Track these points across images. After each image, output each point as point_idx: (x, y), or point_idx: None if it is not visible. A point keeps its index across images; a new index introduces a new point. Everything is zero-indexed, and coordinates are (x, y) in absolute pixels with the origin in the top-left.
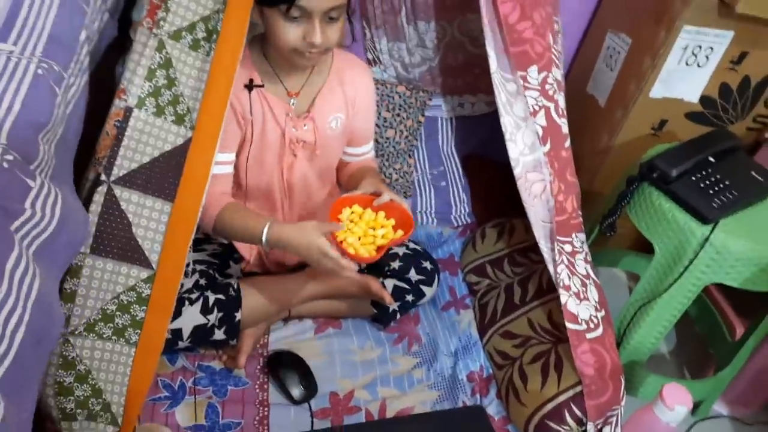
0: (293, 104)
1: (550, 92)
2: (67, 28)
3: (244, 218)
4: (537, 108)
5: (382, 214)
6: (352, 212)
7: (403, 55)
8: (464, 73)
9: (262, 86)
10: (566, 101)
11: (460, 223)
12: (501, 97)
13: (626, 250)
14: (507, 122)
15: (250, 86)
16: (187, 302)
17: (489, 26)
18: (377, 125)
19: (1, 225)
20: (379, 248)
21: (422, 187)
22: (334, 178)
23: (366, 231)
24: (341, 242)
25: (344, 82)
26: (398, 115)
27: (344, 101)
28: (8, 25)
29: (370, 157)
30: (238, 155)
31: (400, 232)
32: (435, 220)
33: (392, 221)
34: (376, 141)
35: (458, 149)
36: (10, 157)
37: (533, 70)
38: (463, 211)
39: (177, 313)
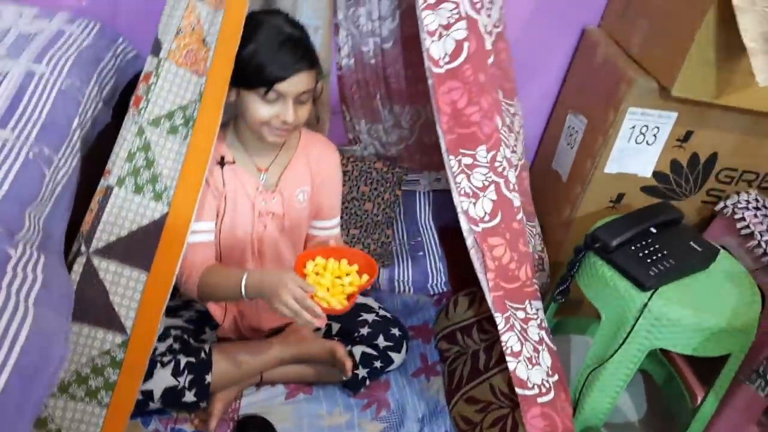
0: (263, 179)
1: (500, 169)
2: (61, 116)
3: (224, 274)
4: (487, 183)
5: (344, 261)
6: (316, 264)
7: (380, 135)
8: (440, 150)
9: (234, 163)
10: (534, 176)
11: (436, 292)
12: (450, 177)
13: (595, 318)
14: (456, 200)
15: (222, 163)
16: (159, 364)
17: (439, 112)
18: (356, 199)
19: None
20: (349, 296)
21: (400, 257)
22: (302, 247)
23: (333, 281)
24: (312, 297)
25: (310, 158)
26: (376, 189)
27: (310, 176)
28: (10, 112)
29: (336, 234)
30: None
31: (366, 276)
32: (412, 289)
33: (356, 266)
34: (356, 213)
35: (435, 221)
36: None
37: (482, 150)
38: (439, 281)
39: (149, 375)
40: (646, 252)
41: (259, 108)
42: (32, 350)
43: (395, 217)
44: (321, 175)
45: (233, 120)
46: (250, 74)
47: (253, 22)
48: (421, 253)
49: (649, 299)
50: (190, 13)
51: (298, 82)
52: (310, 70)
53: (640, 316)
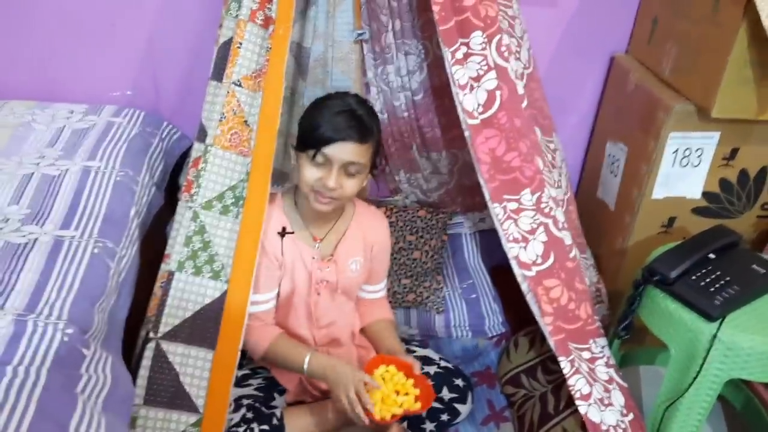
0: (318, 248)
1: (546, 209)
2: (119, 207)
3: (290, 351)
4: (535, 226)
5: (411, 381)
6: (387, 371)
7: (420, 183)
8: (481, 190)
9: (292, 233)
10: (580, 207)
11: (494, 333)
12: (497, 224)
13: (662, 347)
14: (506, 246)
15: (282, 233)
16: None
17: (477, 162)
18: (404, 249)
19: (66, 389)
20: (393, 414)
21: (454, 302)
22: (352, 311)
23: (390, 393)
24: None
25: (364, 229)
26: (422, 237)
27: (363, 246)
28: (72, 211)
29: (382, 296)
30: None
31: (418, 404)
32: (470, 333)
33: (417, 391)
34: (405, 263)
35: (485, 261)
36: (69, 331)
37: (526, 193)
38: (496, 321)
39: None
40: (708, 280)
41: (308, 170)
42: None
43: (444, 262)
44: (374, 247)
45: (293, 191)
46: (305, 135)
47: (329, 95)
48: (474, 296)
49: (718, 329)
50: (231, 99)
51: (345, 150)
52: (361, 143)
53: (710, 348)
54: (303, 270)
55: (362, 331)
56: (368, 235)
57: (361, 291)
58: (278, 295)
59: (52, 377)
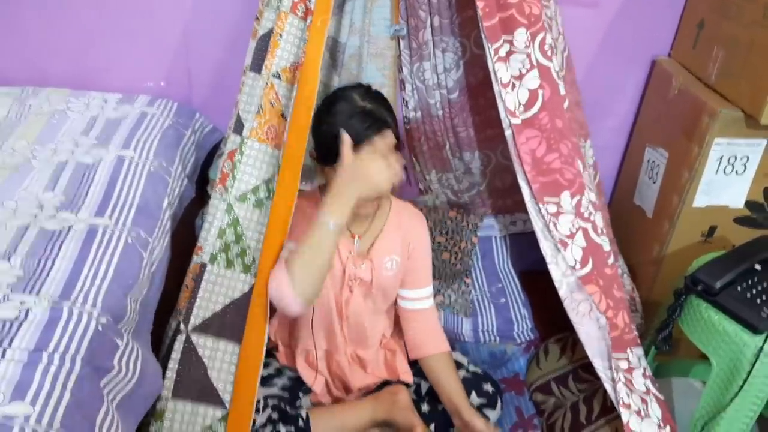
0: (356, 244)
1: (586, 214)
2: (152, 198)
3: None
4: (574, 230)
5: None
6: None
7: (452, 183)
8: (513, 193)
9: None
10: (615, 213)
11: (523, 340)
12: (537, 224)
13: (697, 359)
14: (546, 247)
15: None
16: None
17: (518, 161)
18: (433, 249)
19: (94, 382)
20: None
21: (482, 306)
22: (386, 317)
23: None
24: None
25: (401, 227)
26: (452, 238)
27: (400, 245)
28: (106, 199)
29: (430, 306)
30: None
31: None
32: (498, 339)
33: None
34: (434, 264)
35: (515, 265)
36: (104, 320)
37: (566, 195)
38: (525, 327)
39: None
40: (755, 292)
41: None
42: None
43: (473, 265)
44: (412, 245)
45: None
46: (326, 149)
47: (333, 98)
48: (503, 300)
49: (765, 342)
50: (270, 91)
51: (377, 145)
52: (383, 132)
53: (756, 361)
54: (338, 264)
55: (417, 360)
56: (406, 233)
57: (403, 299)
58: None
59: (86, 367)
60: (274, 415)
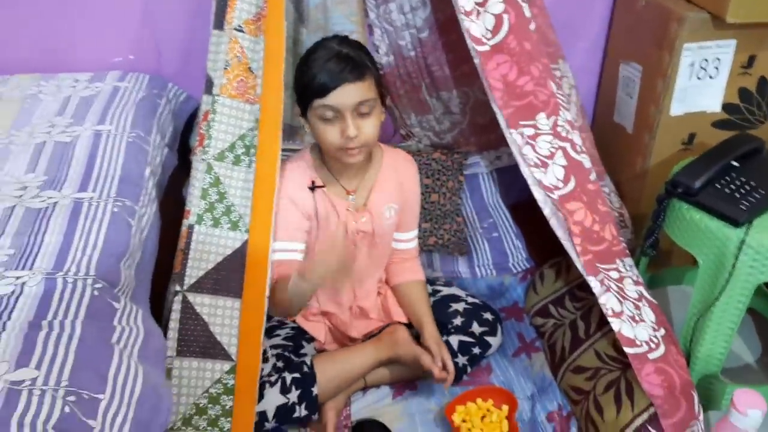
0: (352, 200)
1: (563, 133)
2: (134, 167)
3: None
4: (553, 150)
5: (490, 402)
6: (459, 413)
7: (433, 125)
8: (495, 127)
9: (323, 187)
10: (597, 133)
11: (519, 270)
12: (515, 150)
13: (689, 266)
14: (526, 172)
15: (312, 187)
16: (267, 385)
17: (490, 89)
18: (421, 192)
19: (102, 340)
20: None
21: (476, 242)
22: (384, 263)
23: (482, 423)
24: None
25: (396, 174)
26: (438, 179)
27: (396, 191)
28: (88, 173)
29: (413, 246)
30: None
31: (505, 407)
32: (494, 272)
33: (491, 401)
34: (423, 207)
35: (504, 199)
36: (98, 286)
37: (542, 117)
38: (520, 258)
39: (260, 397)
40: (733, 187)
41: (325, 131)
42: (146, 404)
43: (463, 203)
44: (407, 191)
45: (318, 147)
46: (304, 94)
47: (312, 49)
48: (496, 234)
49: (746, 234)
50: (234, 46)
51: (348, 93)
52: (360, 81)
53: (739, 253)
54: (338, 223)
55: (392, 288)
56: (401, 179)
57: (393, 241)
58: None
59: (87, 329)
60: (279, 364)
